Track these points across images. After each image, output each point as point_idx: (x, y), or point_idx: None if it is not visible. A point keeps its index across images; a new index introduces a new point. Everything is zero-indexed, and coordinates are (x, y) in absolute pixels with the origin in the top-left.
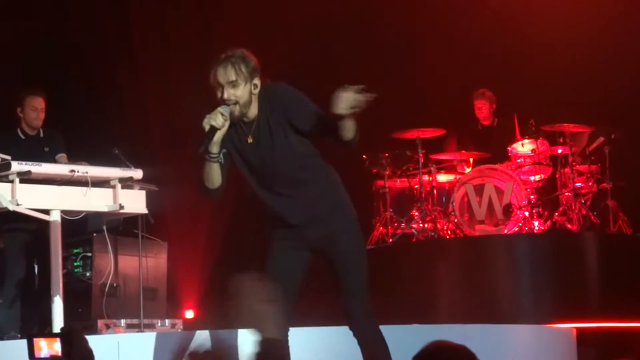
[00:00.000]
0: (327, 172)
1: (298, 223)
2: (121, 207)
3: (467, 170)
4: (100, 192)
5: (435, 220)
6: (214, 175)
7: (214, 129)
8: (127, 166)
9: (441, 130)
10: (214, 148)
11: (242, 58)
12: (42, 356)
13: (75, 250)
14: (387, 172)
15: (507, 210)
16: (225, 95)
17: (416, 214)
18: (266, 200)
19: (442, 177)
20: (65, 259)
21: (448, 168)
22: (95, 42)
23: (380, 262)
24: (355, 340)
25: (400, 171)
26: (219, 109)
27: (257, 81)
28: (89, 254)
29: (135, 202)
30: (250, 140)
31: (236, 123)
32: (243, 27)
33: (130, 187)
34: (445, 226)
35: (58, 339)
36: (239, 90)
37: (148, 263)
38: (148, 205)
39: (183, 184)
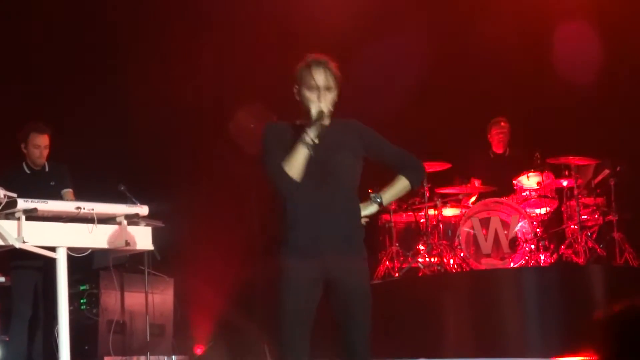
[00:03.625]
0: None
1: (327, 234)
2: (127, 243)
3: (471, 200)
4: (106, 228)
5: (441, 254)
6: (304, 166)
7: (321, 116)
8: (133, 203)
9: (446, 164)
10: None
11: (333, 69)
12: None
13: (82, 287)
14: (393, 207)
15: (513, 243)
16: (324, 101)
17: (422, 248)
18: (308, 200)
19: (448, 211)
20: (71, 295)
21: (454, 202)
22: (106, 75)
23: (386, 296)
24: None
25: (406, 205)
26: (323, 104)
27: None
28: (96, 291)
29: (141, 238)
30: (316, 141)
31: (305, 126)
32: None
33: (136, 223)
34: (451, 260)
35: None
36: (330, 97)
37: (154, 299)
38: (154, 242)
39: (189, 220)
